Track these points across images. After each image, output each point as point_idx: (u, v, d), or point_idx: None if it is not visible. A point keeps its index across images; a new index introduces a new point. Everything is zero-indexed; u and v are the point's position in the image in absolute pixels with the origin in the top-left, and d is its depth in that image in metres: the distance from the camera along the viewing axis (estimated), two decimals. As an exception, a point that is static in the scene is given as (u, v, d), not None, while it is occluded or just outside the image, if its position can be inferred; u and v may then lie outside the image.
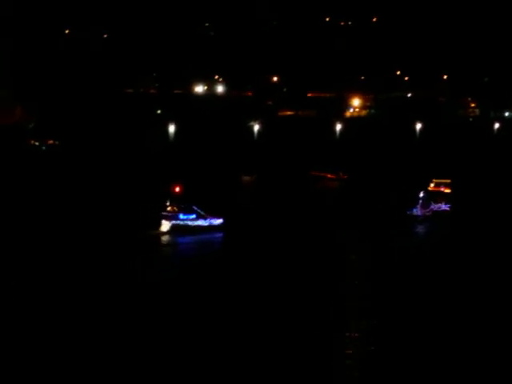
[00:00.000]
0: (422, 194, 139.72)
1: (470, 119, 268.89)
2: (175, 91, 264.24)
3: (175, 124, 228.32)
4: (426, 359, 74.03)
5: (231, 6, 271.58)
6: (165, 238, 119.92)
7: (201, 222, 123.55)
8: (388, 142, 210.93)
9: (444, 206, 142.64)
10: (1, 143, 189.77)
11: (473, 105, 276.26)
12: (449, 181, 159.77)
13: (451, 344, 78.00)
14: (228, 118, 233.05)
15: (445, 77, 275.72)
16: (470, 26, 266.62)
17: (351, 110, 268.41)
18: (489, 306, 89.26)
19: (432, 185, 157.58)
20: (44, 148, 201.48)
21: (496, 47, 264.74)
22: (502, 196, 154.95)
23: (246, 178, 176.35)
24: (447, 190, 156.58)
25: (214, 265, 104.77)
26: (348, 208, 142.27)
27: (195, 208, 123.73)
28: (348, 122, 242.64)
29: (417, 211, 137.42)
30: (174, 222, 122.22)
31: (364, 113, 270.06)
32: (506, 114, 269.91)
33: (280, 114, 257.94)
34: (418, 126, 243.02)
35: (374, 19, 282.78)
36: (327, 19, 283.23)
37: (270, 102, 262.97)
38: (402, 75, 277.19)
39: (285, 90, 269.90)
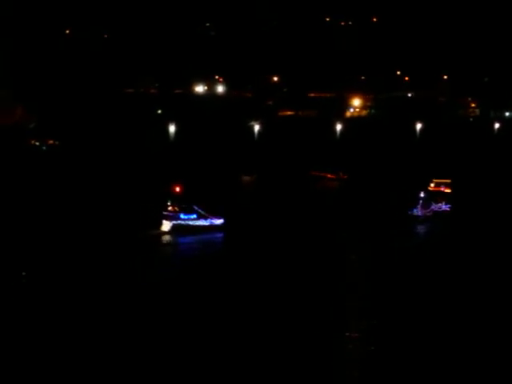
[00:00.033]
0: (422, 194, 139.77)
1: (471, 119, 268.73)
2: (175, 91, 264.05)
3: (175, 124, 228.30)
4: (426, 359, 74.04)
5: (231, 6, 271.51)
6: (166, 238, 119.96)
7: (202, 222, 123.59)
8: (388, 142, 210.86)
9: (444, 206, 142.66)
10: (1, 143, 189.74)
11: (473, 105, 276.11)
12: (449, 181, 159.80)
13: (451, 344, 78.01)
14: (228, 118, 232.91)
15: (445, 77, 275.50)
16: (470, 25, 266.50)
17: (351, 110, 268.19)
18: (489, 306, 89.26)
19: (432, 185, 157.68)
20: (44, 148, 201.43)
21: (496, 47, 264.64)
22: (502, 196, 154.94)
23: (246, 178, 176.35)
24: (447, 190, 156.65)
25: (215, 265, 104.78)
26: (348, 208, 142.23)
27: (196, 208, 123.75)
28: (348, 122, 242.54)
29: (417, 211, 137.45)
30: (174, 221, 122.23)
31: (364, 113, 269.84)
32: (506, 113, 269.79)
33: (280, 114, 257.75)
34: (419, 126, 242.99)
35: (374, 19, 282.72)
36: (327, 19, 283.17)
37: (270, 102, 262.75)
38: (403, 75, 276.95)
39: (285, 90, 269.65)
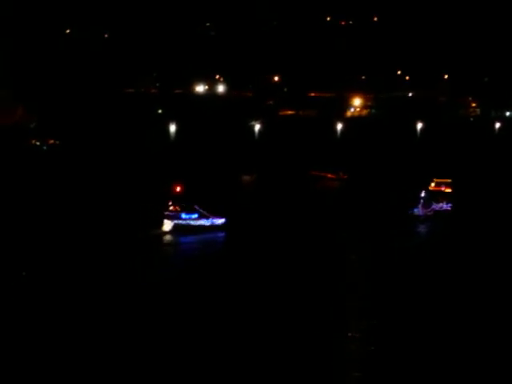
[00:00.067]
0: (423, 194, 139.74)
1: (471, 119, 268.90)
2: (176, 91, 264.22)
3: (176, 124, 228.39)
4: (426, 359, 74.05)
5: (232, 6, 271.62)
6: (167, 238, 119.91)
7: (203, 222, 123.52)
8: (389, 142, 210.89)
9: (445, 206, 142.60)
10: (2, 143, 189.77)
11: (473, 104, 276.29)
12: (449, 180, 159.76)
13: (451, 344, 78.02)
14: (229, 118, 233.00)
15: (445, 76, 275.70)
16: (471, 25, 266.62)
17: (352, 110, 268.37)
18: (489, 306, 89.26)
19: (433, 184, 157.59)
20: (45, 148, 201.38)
21: (496, 47, 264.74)
22: (503, 195, 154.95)
23: (246, 178, 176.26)
24: (448, 190, 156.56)
25: (216, 265, 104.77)
26: (348, 208, 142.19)
27: (197, 207, 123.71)
28: (349, 122, 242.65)
29: (418, 211, 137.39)
30: (176, 221, 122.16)
31: (365, 112, 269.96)
32: (507, 113, 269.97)
33: (281, 113, 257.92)
34: (419, 125, 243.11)
35: (375, 19, 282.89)
36: (328, 19, 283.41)
37: (270, 102, 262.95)
38: (403, 75, 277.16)
39: (285, 89, 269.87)
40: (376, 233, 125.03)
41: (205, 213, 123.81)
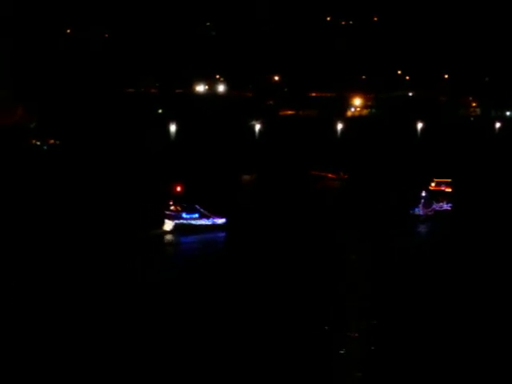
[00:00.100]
0: (423, 194, 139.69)
1: (471, 119, 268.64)
2: (176, 91, 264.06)
3: (176, 123, 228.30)
4: (426, 359, 73.99)
5: (232, 6, 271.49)
6: (168, 237, 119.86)
7: (204, 221, 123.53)
8: (389, 142, 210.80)
9: (446, 206, 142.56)
10: (2, 143, 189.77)
11: (474, 104, 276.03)
12: (449, 180, 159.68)
13: (451, 344, 77.95)
14: (229, 118, 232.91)
15: (446, 76, 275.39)
16: (471, 25, 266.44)
17: (352, 110, 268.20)
18: (489, 306, 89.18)
19: (433, 184, 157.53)
20: (45, 147, 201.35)
21: (497, 47, 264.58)
22: (503, 195, 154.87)
23: (247, 178, 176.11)
24: (448, 189, 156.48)
25: (217, 265, 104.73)
26: (348, 208, 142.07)
27: (198, 207, 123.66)
28: (349, 122, 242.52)
29: (419, 210, 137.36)
30: (177, 221, 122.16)
31: (365, 112, 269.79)
32: (507, 113, 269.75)
33: (281, 113, 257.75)
34: (419, 125, 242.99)
35: (375, 19, 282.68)
36: (328, 19, 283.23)
37: (270, 102, 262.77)
38: (403, 75, 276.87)
39: (286, 89, 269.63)
40: (376, 233, 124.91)
41: (205, 212, 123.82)
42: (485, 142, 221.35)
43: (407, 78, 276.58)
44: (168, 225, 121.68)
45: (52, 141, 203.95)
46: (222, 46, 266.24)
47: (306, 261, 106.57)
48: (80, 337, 76.71)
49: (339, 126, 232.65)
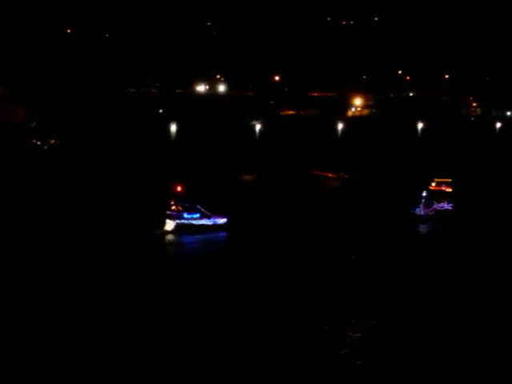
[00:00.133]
0: (424, 194, 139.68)
1: (472, 118, 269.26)
2: (177, 90, 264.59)
3: (177, 123, 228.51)
4: (426, 359, 74.02)
5: (233, 6, 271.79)
6: (169, 237, 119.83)
7: (205, 221, 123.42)
8: (390, 142, 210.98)
9: (447, 206, 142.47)
10: (3, 142, 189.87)
11: (474, 104, 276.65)
12: (450, 180, 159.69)
13: (451, 344, 77.98)
14: (230, 118, 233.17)
15: (446, 76, 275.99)
16: (472, 25, 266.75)
17: (353, 110, 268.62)
18: (489, 306, 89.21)
19: (433, 184, 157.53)
20: (46, 147, 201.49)
21: (497, 47, 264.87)
22: (503, 195, 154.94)
23: (247, 177, 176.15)
24: (448, 189, 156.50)
25: (218, 265, 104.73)
26: (349, 208, 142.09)
27: (199, 207, 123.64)
28: (350, 122, 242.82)
29: (420, 210, 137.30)
30: (178, 221, 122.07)
31: (366, 112, 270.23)
32: (508, 113, 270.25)
33: (282, 113, 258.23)
34: (420, 125, 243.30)
35: (376, 19, 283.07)
36: (329, 19, 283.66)
37: (271, 102, 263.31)
38: (404, 75, 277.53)
39: (286, 89, 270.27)
40: (376, 233, 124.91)
41: (207, 212, 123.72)
42: (485, 141, 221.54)
43: (408, 78, 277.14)
44: (169, 225, 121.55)
45: (52, 141, 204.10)
46: (223, 45, 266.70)
47: (306, 260, 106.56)
48: (80, 336, 76.71)
49: (340, 126, 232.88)
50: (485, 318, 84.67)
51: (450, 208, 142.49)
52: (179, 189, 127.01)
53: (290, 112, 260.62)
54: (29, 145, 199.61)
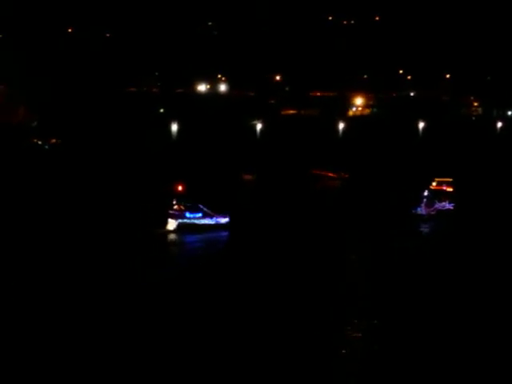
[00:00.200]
0: (426, 193, 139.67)
1: (473, 118, 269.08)
2: (178, 90, 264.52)
3: (177, 123, 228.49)
4: (426, 359, 74.03)
5: (234, 6, 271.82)
6: (171, 237, 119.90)
7: (207, 221, 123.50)
8: (390, 141, 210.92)
9: (448, 205, 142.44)
10: (4, 142, 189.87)
11: (475, 104, 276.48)
12: (451, 179, 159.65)
13: (451, 344, 77.99)
14: (230, 117, 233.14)
15: (447, 76, 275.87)
16: (473, 25, 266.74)
17: (354, 109, 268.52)
18: (489, 306, 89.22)
19: (434, 184, 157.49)
20: (47, 147, 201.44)
21: (498, 46, 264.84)
22: (504, 195, 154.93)
23: (248, 177, 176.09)
24: (449, 189, 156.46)
25: (220, 264, 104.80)
26: (349, 207, 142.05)
27: (201, 207, 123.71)
28: (350, 121, 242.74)
29: (421, 210, 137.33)
30: (180, 220, 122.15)
31: (367, 112, 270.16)
32: (509, 112, 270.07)
33: (282, 112, 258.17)
34: (421, 124, 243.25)
35: (377, 18, 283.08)
36: (330, 18, 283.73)
37: (272, 101, 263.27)
38: (405, 74, 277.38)
39: (287, 89, 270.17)
40: (377, 233, 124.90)
41: (209, 212, 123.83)
42: (486, 141, 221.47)
43: (409, 77, 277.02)
44: (171, 224, 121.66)
45: (54, 140, 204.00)
46: (224, 45, 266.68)
47: (306, 260, 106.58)
48: (81, 336, 76.72)
49: (341, 126, 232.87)
50: (485, 318, 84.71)
51: (452, 208, 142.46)
52: (180, 188, 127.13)
53: (291, 112, 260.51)
54: (30, 144, 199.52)
